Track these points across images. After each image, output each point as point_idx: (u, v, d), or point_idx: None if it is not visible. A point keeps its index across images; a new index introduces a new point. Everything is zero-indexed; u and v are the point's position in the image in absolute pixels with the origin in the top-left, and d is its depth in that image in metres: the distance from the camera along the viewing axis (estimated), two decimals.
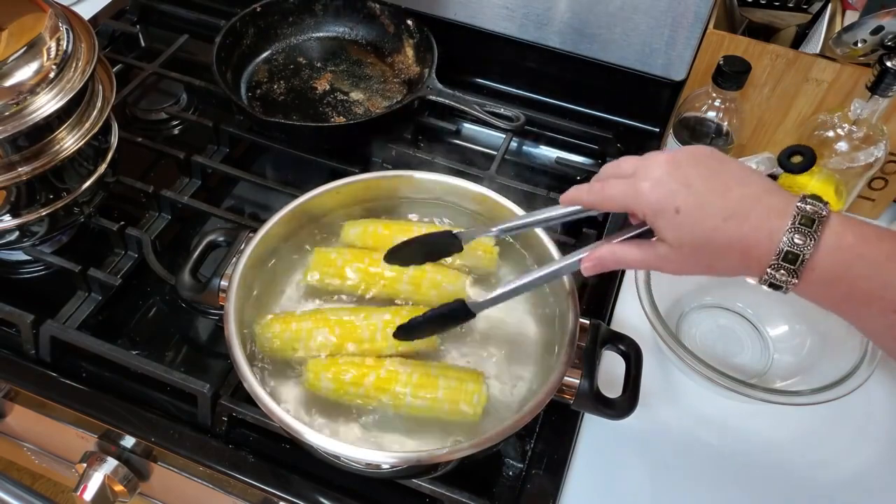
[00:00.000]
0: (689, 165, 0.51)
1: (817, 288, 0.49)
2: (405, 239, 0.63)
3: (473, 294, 0.70)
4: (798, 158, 0.55)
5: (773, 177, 0.55)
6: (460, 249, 0.62)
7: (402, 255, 0.63)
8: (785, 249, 0.48)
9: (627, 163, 0.55)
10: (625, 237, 0.56)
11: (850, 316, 0.50)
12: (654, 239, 0.53)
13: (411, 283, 0.69)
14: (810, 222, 0.48)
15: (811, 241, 0.48)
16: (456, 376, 0.62)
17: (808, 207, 0.48)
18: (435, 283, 0.69)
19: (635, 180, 0.53)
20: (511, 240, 0.73)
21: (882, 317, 0.48)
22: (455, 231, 0.62)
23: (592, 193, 0.56)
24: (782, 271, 0.49)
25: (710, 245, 0.50)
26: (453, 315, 0.59)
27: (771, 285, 0.50)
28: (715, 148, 0.54)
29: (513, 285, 0.58)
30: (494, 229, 0.62)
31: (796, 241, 0.48)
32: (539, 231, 0.69)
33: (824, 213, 0.48)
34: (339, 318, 0.65)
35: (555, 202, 0.61)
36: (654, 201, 0.51)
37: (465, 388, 0.61)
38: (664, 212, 0.51)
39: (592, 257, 0.56)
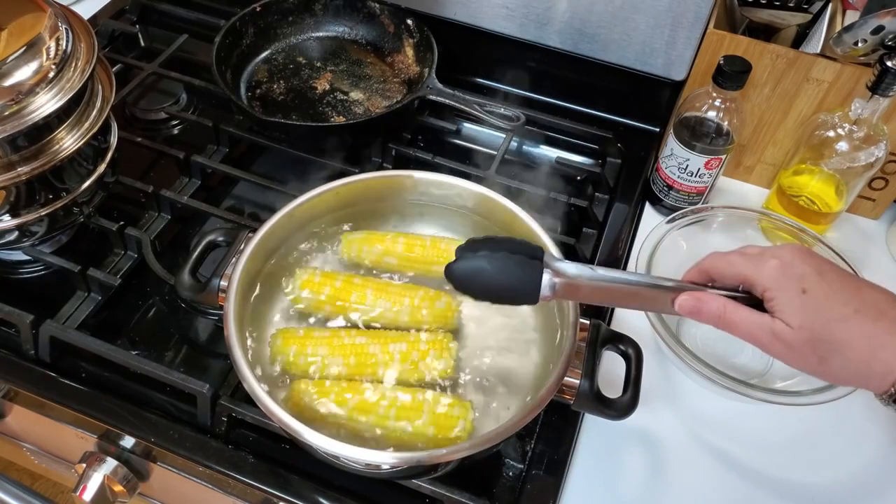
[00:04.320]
0: (819, 259, 0.49)
1: None
2: None
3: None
4: None
5: None
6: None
7: None
8: None
9: (753, 248, 0.52)
10: (733, 295, 0.51)
11: None
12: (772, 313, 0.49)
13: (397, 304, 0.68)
14: None
15: None
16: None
17: None
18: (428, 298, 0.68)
19: (762, 257, 0.49)
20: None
21: None
22: None
23: (718, 258, 0.52)
24: None
25: (833, 336, 0.46)
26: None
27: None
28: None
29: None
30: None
31: None
32: (538, 230, 0.68)
33: None
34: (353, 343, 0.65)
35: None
36: (779, 276, 0.47)
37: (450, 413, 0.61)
38: (788, 288, 0.47)
39: (695, 297, 0.51)
